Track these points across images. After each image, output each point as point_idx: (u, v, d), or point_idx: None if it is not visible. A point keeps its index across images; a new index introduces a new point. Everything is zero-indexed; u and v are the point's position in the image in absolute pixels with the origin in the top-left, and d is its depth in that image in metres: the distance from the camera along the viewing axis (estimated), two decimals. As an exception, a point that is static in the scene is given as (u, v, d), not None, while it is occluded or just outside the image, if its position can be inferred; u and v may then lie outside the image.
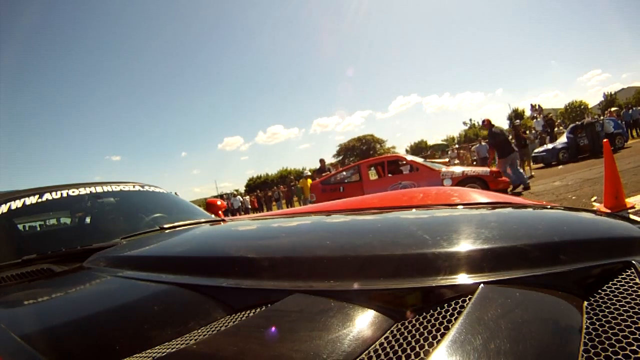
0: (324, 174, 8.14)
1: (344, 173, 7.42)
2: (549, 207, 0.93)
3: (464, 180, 5.96)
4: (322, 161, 9.02)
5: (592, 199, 4.37)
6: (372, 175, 7.43)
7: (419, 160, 7.22)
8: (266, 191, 20.76)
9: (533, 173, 9.58)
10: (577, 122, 12.90)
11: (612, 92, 37.16)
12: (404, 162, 7.11)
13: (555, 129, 13.94)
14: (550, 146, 11.82)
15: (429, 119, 67.30)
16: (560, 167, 10.12)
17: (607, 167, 3.59)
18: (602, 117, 11.91)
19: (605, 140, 4.02)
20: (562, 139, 11.76)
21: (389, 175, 6.96)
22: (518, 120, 11.46)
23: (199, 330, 0.53)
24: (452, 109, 66.76)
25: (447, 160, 10.50)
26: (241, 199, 18.71)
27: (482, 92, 72.22)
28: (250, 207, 18.82)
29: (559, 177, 7.60)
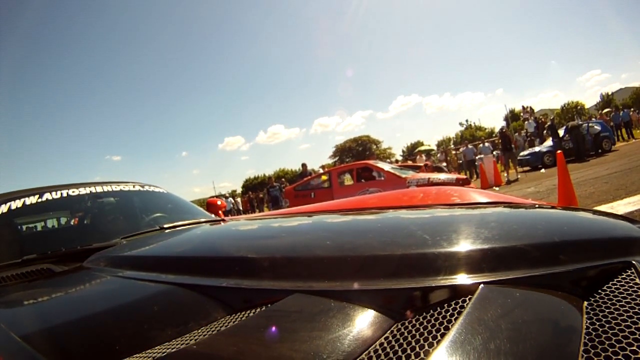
0: (305, 178, 8.37)
1: (315, 180, 7.71)
2: (548, 207, 0.93)
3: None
4: (304, 166, 9.20)
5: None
6: (346, 181, 7.75)
7: (387, 167, 7.45)
8: (257, 192, 20.75)
9: (519, 176, 9.60)
10: (548, 121, 12.91)
11: (610, 93, 37.27)
12: (373, 170, 7.34)
13: (545, 131, 13.97)
14: (536, 149, 11.83)
15: (429, 119, 67.27)
16: (543, 170, 10.08)
17: (560, 179, 3.59)
18: (583, 123, 11.88)
19: (558, 152, 4.00)
20: (548, 142, 11.75)
21: (359, 181, 7.20)
22: (504, 125, 11.48)
23: (199, 330, 0.53)
24: (453, 109, 66.71)
25: (422, 165, 10.63)
26: (233, 201, 18.65)
27: (482, 92, 72.21)
28: (242, 208, 18.78)
29: (537, 182, 7.60)
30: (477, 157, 12.54)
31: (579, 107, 33.20)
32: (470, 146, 14.16)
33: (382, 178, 6.89)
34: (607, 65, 61.19)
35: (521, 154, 11.95)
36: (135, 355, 0.48)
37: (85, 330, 0.58)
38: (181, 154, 70.08)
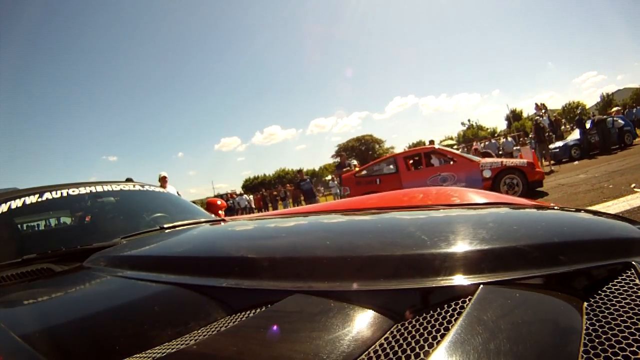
0: (344, 169, 8.13)
1: (379, 165, 7.25)
2: (548, 207, 0.93)
3: (503, 171, 5.94)
4: (342, 156, 9.06)
5: (632, 185, 4.44)
6: (409, 167, 7.22)
7: (456, 152, 7.10)
8: (271, 190, 20.90)
9: (553, 168, 9.66)
10: (562, 119, 13.08)
11: (610, 93, 37.33)
12: (441, 154, 6.94)
13: (562, 127, 14.09)
14: (560, 143, 12.00)
15: (425, 119, 67.72)
16: (576, 162, 10.16)
17: None
18: (608, 117, 11.98)
19: None
20: (574, 136, 11.90)
21: (427, 167, 6.78)
22: (539, 117, 11.52)
23: (199, 330, 0.53)
24: (449, 110, 67.15)
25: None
26: (247, 198, 18.64)
27: (479, 93, 72.87)
28: (254, 206, 18.77)
29: (579, 171, 7.60)
30: (514, 149, 12.75)
31: (579, 107, 33.26)
32: (493, 140, 14.33)
33: (453, 163, 6.50)
34: (603, 67, 61.56)
35: (550, 146, 12.06)
36: (135, 355, 0.48)
37: (85, 330, 0.58)
38: (177, 155, 70.20)
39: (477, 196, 1.26)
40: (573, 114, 30.56)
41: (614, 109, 14.67)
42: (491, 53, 77.05)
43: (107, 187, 1.68)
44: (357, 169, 7.88)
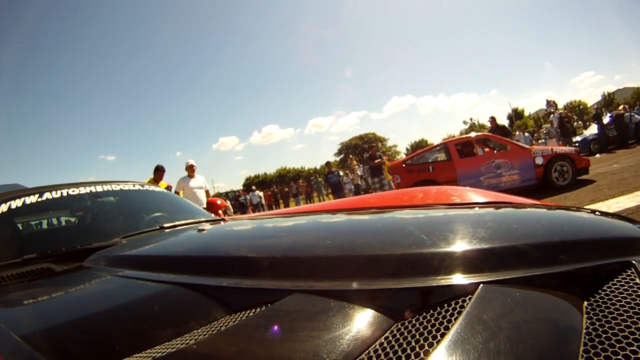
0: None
1: (428, 153, 7.15)
2: (548, 207, 0.93)
3: (554, 158, 6.00)
4: (373, 147, 8.97)
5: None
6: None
7: (507, 139, 7.02)
8: (282, 186, 20.93)
9: None
10: (573, 116, 13.20)
11: (611, 92, 37.45)
12: (490, 142, 6.88)
13: (575, 123, 14.23)
14: (579, 138, 12.12)
15: (423, 119, 67.91)
16: (598, 155, 10.18)
17: None
18: (626, 112, 12.05)
19: None
20: (592, 130, 12.05)
21: (479, 154, 6.69)
22: (564, 111, 11.61)
23: (199, 330, 0.53)
24: (447, 110, 67.31)
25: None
26: (260, 194, 18.50)
27: (477, 93, 73.03)
28: (265, 203, 18.65)
29: (608, 162, 7.65)
30: (540, 142, 13.04)
31: (581, 107, 33.34)
32: (526, 134, 14.55)
33: (505, 150, 6.42)
34: (601, 67, 61.68)
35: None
36: (135, 355, 0.48)
37: (85, 330, 0.58)
38: (175, 154, 69.77)
39: (477, 195, 1.26)
40: (574, 112, 30.67)
41: (620, 106, 14.70)
42: (489, 53, 77.14)
43: (106, 187, 1.68)
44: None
